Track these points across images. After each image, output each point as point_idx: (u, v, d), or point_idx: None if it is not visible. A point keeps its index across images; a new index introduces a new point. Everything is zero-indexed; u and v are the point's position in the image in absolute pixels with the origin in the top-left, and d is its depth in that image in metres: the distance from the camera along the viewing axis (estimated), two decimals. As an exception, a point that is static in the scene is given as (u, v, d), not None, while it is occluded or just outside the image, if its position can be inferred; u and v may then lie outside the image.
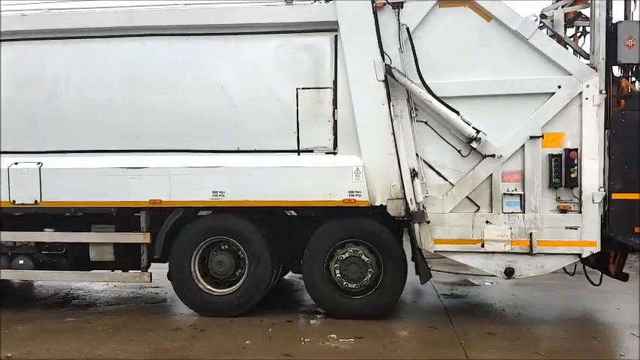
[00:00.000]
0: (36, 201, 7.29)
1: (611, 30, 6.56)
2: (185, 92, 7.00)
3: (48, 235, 7.40)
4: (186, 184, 6.99)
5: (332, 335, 6.29)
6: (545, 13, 7.20)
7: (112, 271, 7.53)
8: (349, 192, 6.76)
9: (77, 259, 7.49)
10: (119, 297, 8.40)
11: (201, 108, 6.98)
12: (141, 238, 7.18)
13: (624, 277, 7.28)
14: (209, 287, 7.19)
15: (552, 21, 7.08)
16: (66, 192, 7.24)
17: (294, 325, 6.79)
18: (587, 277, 7.41)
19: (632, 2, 6.89)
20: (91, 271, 7.51)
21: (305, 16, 6.84)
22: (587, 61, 6.80)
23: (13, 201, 7.32)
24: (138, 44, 7.08)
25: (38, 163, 7.29)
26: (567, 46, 7.15)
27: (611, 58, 6.55)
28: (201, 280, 7.19)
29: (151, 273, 7.20)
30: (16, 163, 7.34)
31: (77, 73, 7.19)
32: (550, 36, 7.05)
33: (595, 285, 7.39)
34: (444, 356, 5.77)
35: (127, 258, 7.37)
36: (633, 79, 6.86)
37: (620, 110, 6.54)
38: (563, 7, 7.08)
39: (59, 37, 7.23)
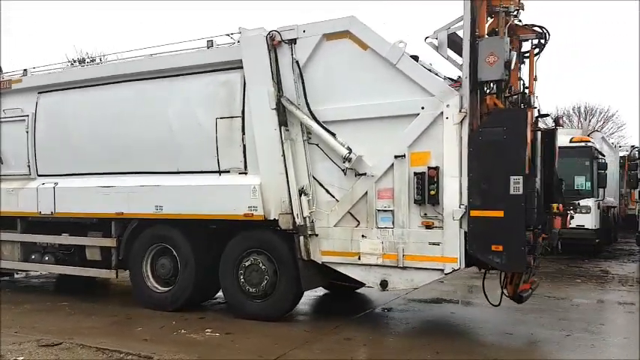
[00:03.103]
0: (52, 212, 9.46)
1: (475, 47, 6.69)
2: (139, 125, 8.64)
3: (40, 238, 9.64)
4: (138, 200, 8.56)
5: (207, 330, 7.29)
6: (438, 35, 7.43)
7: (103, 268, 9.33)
8: (248, 207, 7.72)
9: (82, 258, 9.47)
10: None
11: (150, 137, 8.54)
12: (109, 242, 8.92)
13: (518, 300, 7.09)
14: (156, 285, 8.61)
15: (437, 43, 7.30)
16: (69, 205, 9.30)
17: (196, 320, 7.83)
18: (486, 296, 7.32)
19: (502, 17, 6.91)
20: (78, 267, 9.40)
21: (221, 57, 8.06)
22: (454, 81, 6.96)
23: (40, 212, 9.59)
24: (108, 90, 8.96)
25: (55, 183, 9.48)
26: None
27: (474, 75, 6.67)
28: (151, 279, 8.66)
29: (116, 271, 8.87)
30: (43, 184, 9.63)
31: (74, 114, 9.29)
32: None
33: (494, 305, 7.27)
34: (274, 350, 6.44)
35: (109, 259, 9.12)
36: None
37: (477, 128, 6.60)
38: (448, 29, 7.27)
39: (66, 87, 9.42)
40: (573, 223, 15.50)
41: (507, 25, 7.33)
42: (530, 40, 8.19)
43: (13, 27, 47.44)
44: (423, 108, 6.86)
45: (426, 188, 6.79)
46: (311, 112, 7.46)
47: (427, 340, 6.90)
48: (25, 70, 10.05)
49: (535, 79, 8.32)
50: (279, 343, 6.72)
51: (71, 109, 9.37)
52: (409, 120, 6.97)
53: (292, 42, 7.59)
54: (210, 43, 8.17)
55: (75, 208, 9.23)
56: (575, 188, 15.83)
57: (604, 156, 17.22)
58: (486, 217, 6.50)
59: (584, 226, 15.49)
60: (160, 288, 8.60)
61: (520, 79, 8.25)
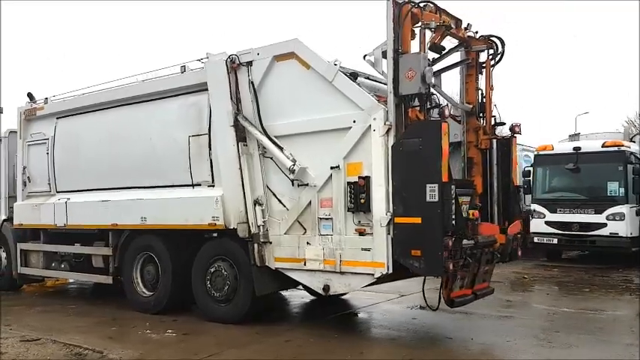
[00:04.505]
0: (65, 224, 10.55)
1: (398, 63, 7.03)
2: (128, 144, 9.54)
3: (56, 247, 10.72)
4: (128, 212, 9.43)
5: (169, 330, 7.98)
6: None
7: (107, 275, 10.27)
8: (212, 217, 8.36)
9: (90, 265, 10.48)
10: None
11: (137, 155, 9.41)
12: (107, 251, 9.86)
13: (451, 304, 7.28)
14: (144, 290, 9.43)
15: (373, 60, 7.65)
16: (77, 218, 10.35)
17: (168, 322, 8.46)
18: (425, 300, 7.54)
19: (425, 32, 7.17)
20: (87, 274, 10.41)
21: (192, 80, 8.81)
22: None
23: (56, 224, 10.72)
24: (104, 114, 9.97)
25: (67, 199, 10.58)
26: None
27: (397, 90, 7.01)
28: (140, 285, 9.48)
29: (113, 277, 9.77)
30: (59, 199, 10.76)
31: (80, 136, 10.37)
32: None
33: (433, 310, 7.48)
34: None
35: (108, 266, 10.05)
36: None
37: (399, 139, 6.92)
38: (382, 47, 7.59)
39: (75, 113, 10.55)
40: (606, 231, 15.19)
41: (440, 38, 7.63)
42: (486, 51, 8.45)
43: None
44: (354, 122, 7.26)
45: (358, 197, 7.17)
46: (263, 127, 8.03)
47: (363, 343, 7.26)
48: (46, 98, 11.27)
49: (492, 89, 8.53)
50: (222, 343, 7.31)
51: (78, 132, 10.45)
52: (345, 133, 7.38)
53: (249, 64, 8.21)
54: (183, 69, 8.96)
55: (81, 220, 10.27)
56: (608, 194, 15.35)
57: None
58: (407, 224, 6.80)
59: (617, 233, 15.00)
60: (146, 293, 9.40)
61: (478, 88, 8.51)
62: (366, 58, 7.63)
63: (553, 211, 15.95)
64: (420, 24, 7.17)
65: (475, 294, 7.70)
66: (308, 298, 10.19)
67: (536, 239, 16.10)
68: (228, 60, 8.26)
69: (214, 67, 8.42)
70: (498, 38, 8.37)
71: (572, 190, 16.17)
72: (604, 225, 15.10)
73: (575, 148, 15.79)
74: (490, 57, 8.41)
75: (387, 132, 7.00)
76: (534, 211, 16.23)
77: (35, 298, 11.29)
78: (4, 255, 12.00)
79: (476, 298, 7.73)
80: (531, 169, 16.74)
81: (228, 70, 8.28)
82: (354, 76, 7.65)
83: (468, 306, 8.66)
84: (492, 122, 8.42)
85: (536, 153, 16.92)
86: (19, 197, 11.51)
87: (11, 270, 11.70)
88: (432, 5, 7.37)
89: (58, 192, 10.92)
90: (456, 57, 8.58)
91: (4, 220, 11.98)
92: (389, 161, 6.98)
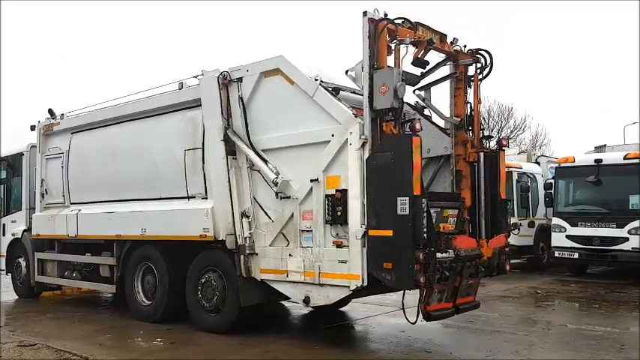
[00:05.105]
0: (75, 235, 10.99)
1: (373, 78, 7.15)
2: (132, 158, 9.91)
3: (66, 257, 11.12)
4: (130, 224, 9.77)
5: (158, 339, 8.23)
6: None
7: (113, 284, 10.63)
8: (203, 229, 8.59)
9: (98, 274, 10.86)
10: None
11: (140, 168, 9.77)
12: (111, 261, 10.21)
13: (427, 318, 7.27)
14: (144, 299, 9.73)
15: (354, 75, 7.76)
16: (86, 228, 10.77)
17: (163, 331, 8.69)
18: (405, 314, 7.52)
19: (403, 49, 7.25)
20: (95, 282, 10.79)
21: (189, 97, 9.09)
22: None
23: (68, 235, 11.17)
24: (110, 129, 10.40)
25: (79, 210, 11.02)
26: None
27: (372, 104, 7.12)
28: (140, 294, 9.78)
29: (117, 286, 10.12)
30: (71, 211, 11.22)
31: (89, 150, 10.83)
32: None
33: (412, 323, 7.47)
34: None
35: (113, 275, 10.40)
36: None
37: (373, 152, 7.01)
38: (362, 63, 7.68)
39: (86, 129, 11.01)
40: (628, 246, 14.77)
41: (423, 52, 7.70)
42: (474, 65, 8.47)
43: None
44: (333, 135, 7.40)
45: (335, 209, 7.28)
46: (250, 141, 8.25)
47: (339, 354, 7.34)
48: (62, 114, 11.80)
49: (480, 102, 8.56)
50: (204, 353, 7.52)
51: (88, 146, 10.91)
52: (325, 146, 7.52)
53: (239, 80, 8.47)
54: (180, 85, 9.27)
55: (90, 231, 10.68)
56: (630, 208, 14.91)
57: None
58: (380, 236, 6.86)
59: (640, 248, 14.57)
60: (146, 302, 9.70)
61: (466, 102, 8.52)
62: (348, 73, 7.77)
63: (574, 224, 15.60)
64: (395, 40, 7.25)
65: (457, 308, 7.67)
66: (307, 309, 10.29)
67: (557, 254, 15.84)
68: (220, 76, 8.53)
69: (207, 83, 8.70)
70: (486, 52, 8.38)
71: (593, 204, 15.78)
72: (625, 239, 14.68)
73: (596, 160, 15.44)
74: (478, 71, 8.42)
75: (363, 145, 7.10)
76: (555, 224, 15.95)
77: (49, 305, 11.74)
78: (24, 264, 12.54)
79: (458, 312, 7.69)
80: (552, 181, 16.46)
81: (219, 86, 8.54)
82: (336, 90, 7.79)
83: (462, 320, 8.76)
84: (480, 135, 8.41)
85: (557, 165, 16.64)
86: (37, 208, 12.03)
87: (29, 278, 12.22)
88: (408, 22, 7.43)
89: (71, 204, 11.38)
90: (446, 70, 8.63)
91: (25, 230, 12.52)
92: (364, 174, 7.08)
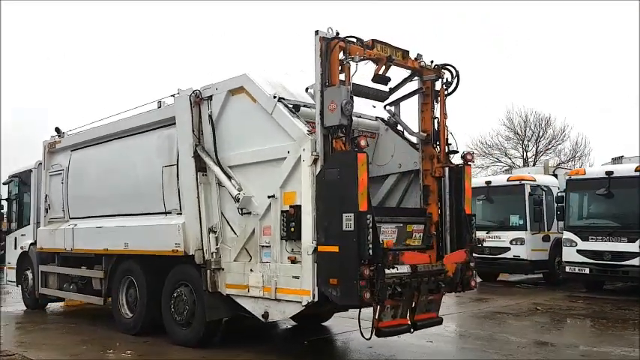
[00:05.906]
0: (71, 248, 11.40)
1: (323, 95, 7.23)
2: (117, 174, 10.26)
3: (61, 269, 11.51)
4: (116, 238, 10.08)
5: (128, 351, 8.45)
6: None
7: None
8: (175, 244, 8.81)
9: (92, 287, 11.22)
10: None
11: (124, 184, 10.10)
12: (100, 274, 10.55)
13: (377, 334, 7.24)
14: (127, 312, 10.00)
15: (313, 93, 7.84)
16: (80, 243, 11.15)
17: (139, 344, 8.93)
18: (360, 330, 7.52)
19: (353, 66, 7.29)
20: (88, 295, 11.12)
21: (167, 115, 9.35)
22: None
23: (65, 248, 11.59)
24: (100, 147, 10.78)
25: (75, 225, 11.43)
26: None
27: (322, 121, 7.20)
28: (125, 307, 10.06)
29: (104, 298, 10.43)
30: (69, 225, 11.64)
31: (84, 167, 11.24)
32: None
33: (366, 339, 7.44)
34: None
35: (102, 288, 10.73)
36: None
37: (321, 169, 7.08)
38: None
39: (83, 146, 11.44)
40: (639, 261, 14.27)
41: (385, 69, 7.75)
42: (441, 80, 8.46)
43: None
44: (288, 152, 7.51)
45: (289, 225, 7.36)
46: (217, 158, 8.44)
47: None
48: (63, 132, 12.28)
49: (446, 117, 8.50)
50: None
51: (83, 163, 11.33)
52: (279, 163, 7.65)
53: (209, 98, 8.68)
54: (159, 104, 9.56)
55: (82, 245, 11.05)
56: (643, 222, 14.46)
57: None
58: (327, 252, 6.91)
59: (655, 264, 14.08)
60: (129, 314, 9.97)
61: (433, 117, 8.50)
62: (308, 90, 7.90)
63: (585, 239, 15.20)
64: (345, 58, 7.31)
65: (414, 324, 7.61)
66: (290, 323, 10.38)
67: (568, 269, 15.46)
68: (193, 95, 8.75)
69: (180, 102, 8.95)
70: (452, 67, 8.36)
71: (604, 217, 15.39)
72: (637, 254, 14.22)
73: (607, 173, 15.05)
74: (444, 86, 8.40)
75: (315, 162, 7.18)
76: (566, 239, 15.59)
77: (46, 316, 12.17)
78: (30, 276, 13.05)
79: (415, 328, 7.63)
80: (564, 194, 16.10)
81: (191, 104, 8.77)
82: (296, 107, 7.89)
83: (435, 336, 8.69)
84: (446, 150, 8.37)
85: (567, 178, 16.28)
86: (42, 223, 12.52)
87: (35, 290, 12.71)
88: (360, 40, 7.48)
89: (70, 218, 11.79)
90: (416, 86, 8.65)
91: (31, 244, 13.04)
92: (315, 190, 7.15)
